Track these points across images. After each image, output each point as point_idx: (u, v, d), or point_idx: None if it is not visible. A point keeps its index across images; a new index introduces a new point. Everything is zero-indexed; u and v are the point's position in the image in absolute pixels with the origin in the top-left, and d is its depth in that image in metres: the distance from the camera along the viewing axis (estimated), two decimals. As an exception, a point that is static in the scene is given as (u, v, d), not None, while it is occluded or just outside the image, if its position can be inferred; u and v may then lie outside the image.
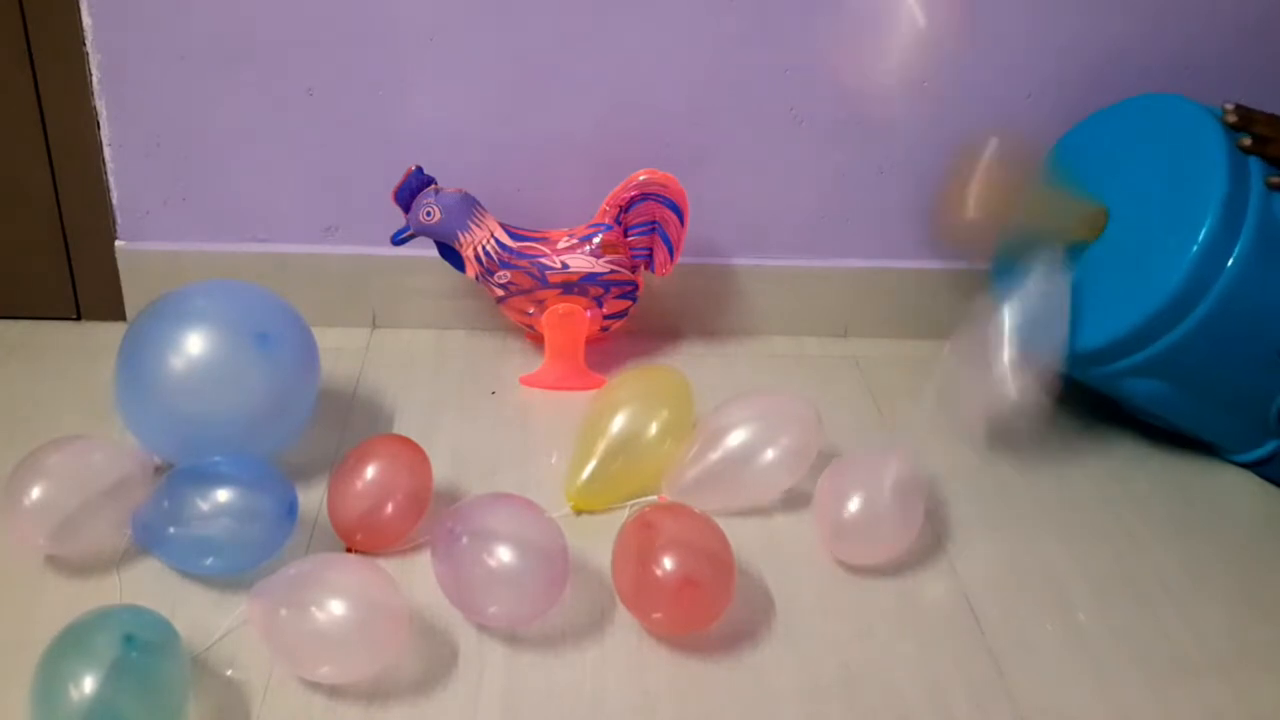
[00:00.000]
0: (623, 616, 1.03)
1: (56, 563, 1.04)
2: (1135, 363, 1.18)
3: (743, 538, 1.09)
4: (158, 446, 1.13)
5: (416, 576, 1.04)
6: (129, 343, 1.12)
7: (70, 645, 0.85)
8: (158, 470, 1.12)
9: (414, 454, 1.10)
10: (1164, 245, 1.15)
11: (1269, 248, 1.12)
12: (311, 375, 1.18)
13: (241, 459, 1.05)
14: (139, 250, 1.41)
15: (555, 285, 1.33)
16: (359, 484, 1.06)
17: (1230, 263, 1.11)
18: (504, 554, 0.96)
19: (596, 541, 1.07)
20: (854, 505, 1.07)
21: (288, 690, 0.93)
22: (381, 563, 1.04)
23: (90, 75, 1.30)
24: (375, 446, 1.10)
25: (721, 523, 1.04)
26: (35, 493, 1.00)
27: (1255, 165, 1.15)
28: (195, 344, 1.08)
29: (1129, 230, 1.22)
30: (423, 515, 1.09)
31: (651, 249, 1.36)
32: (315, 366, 1.19)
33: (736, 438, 1.14)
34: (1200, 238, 1.11)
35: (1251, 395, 1.21)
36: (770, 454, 1.13)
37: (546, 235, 1.35)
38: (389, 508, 1.06)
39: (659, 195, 1.32)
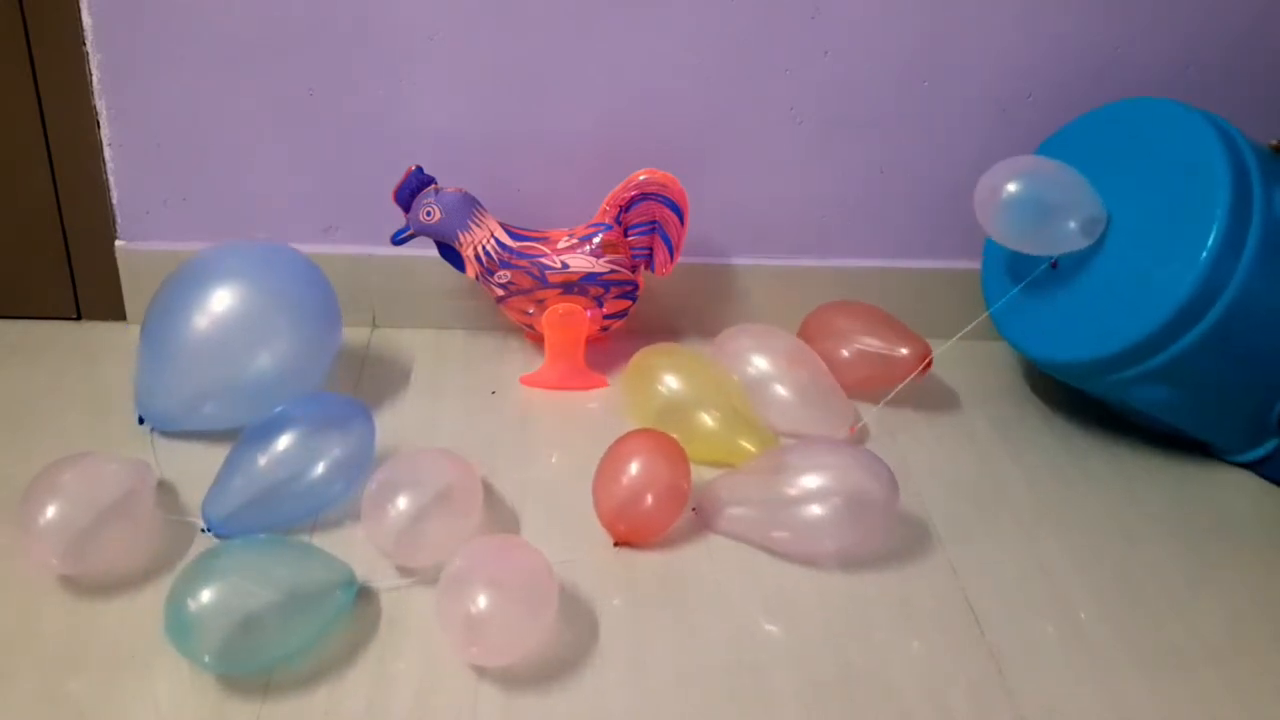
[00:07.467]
0: (624, 626, 1.03)
1: (68, 582, 1.02)
2: (1142, 371, 1.17)
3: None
4: (174, 390, 1.17)
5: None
6: (159, 301, 1.19)
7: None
8: (160, 484, 1.12)
9: (674, 449, 1.12)
10: (1169, 254, 1.14)
11: (1275, 252, 1.11)
12: (335, 330, 1.27)
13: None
14: (139, 250, 1.41)
15: (555, 285, 1.33)
16: (624, 478, 1.09)
17: (1238, 270, 1.10)
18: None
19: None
20: None
21: (287, 692, 0.93)
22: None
23: (90, 75, 1.30)
24: (636, 440, 1.12)
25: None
26: (48, 513, 0.98)
27: (1255, 168, 1.14)
28: (221, 300, 1.17)
29: (1129, 238, 1.20)
30: (680, 511, 1.11)
31: (651, 249, 1.36)
32: (338, 321, 1.28)
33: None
34: (1208, 246, 1.10)
35: (1255, 397, 1.21)
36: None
37: (546, 235, 1.35)
38: (649, 499, 1.08)
39: (659, 195, 1.32)
